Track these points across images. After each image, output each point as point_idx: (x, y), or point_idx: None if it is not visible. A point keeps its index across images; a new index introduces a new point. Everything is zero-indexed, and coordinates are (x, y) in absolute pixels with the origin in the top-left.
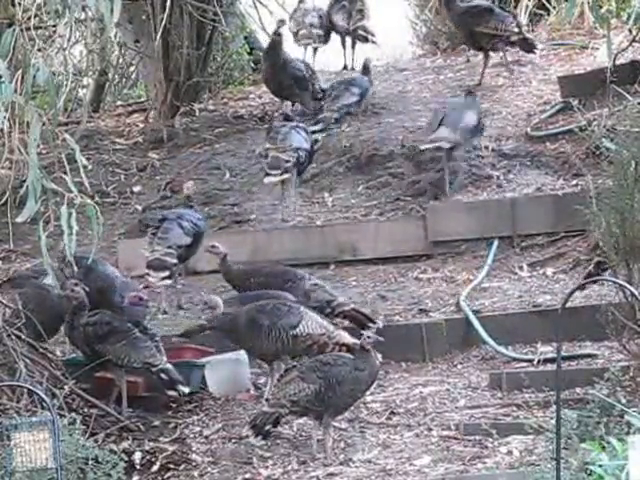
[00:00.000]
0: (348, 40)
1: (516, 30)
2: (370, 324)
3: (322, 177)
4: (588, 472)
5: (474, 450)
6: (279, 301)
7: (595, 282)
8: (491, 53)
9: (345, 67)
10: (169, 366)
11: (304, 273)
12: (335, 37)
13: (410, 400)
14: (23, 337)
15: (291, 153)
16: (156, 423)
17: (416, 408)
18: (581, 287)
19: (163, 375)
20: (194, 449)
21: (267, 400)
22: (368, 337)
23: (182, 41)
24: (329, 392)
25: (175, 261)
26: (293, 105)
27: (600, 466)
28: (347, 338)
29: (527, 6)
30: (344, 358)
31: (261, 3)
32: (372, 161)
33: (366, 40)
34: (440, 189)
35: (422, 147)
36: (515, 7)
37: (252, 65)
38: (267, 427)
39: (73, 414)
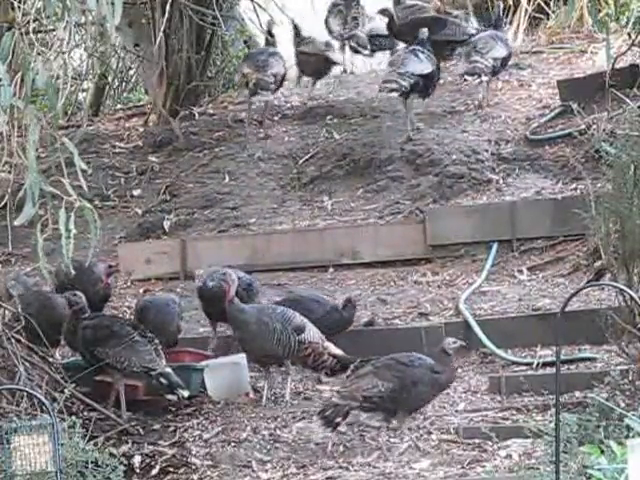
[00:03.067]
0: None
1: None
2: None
3: (321, 181)
4: (587, 476)
5: (473, 454)
6: (283, 307)
7: (595, 286)
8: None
9: (344, 71)
10: (168, 370)
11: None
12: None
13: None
14: (23, 340)
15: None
16: (156, 426)
17: (415, 411)
18: (580, 291)
19: (162, 379)
20: (193, 452)
21: (338, 392)
22: (453, 342)
23: (182, 45)
24: (403, 392)
25: None
26: None
27: (599, 470)
28: (336, 350)
29: (526, 10)
30: (421, 360)
31: (260, 7)
32: (371, 165)
33: (357, 52)
34: None
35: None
36: (514, 11)
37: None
38: (338, 420)
39: (73, 417)
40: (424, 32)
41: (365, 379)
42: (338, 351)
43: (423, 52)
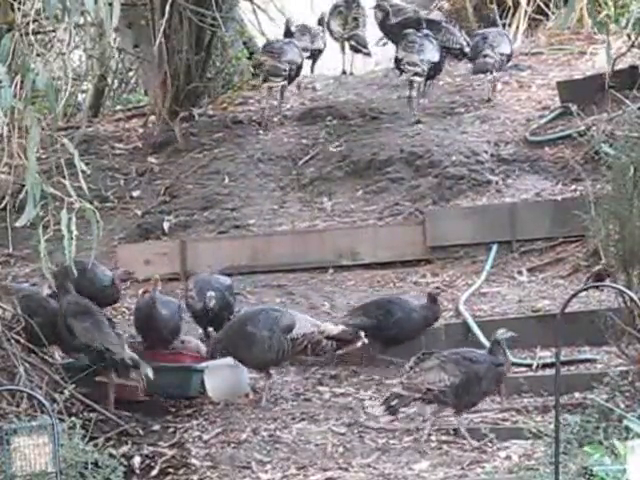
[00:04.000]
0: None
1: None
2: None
3: (321, 182)
4: (587, 477)
5: (473, 455)
6: (269, 308)
7: (594, 287)
8: None
9: (344, 72)
10: (130, 355)
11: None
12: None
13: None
14: (22, 341)
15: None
16: (155, 427)
17: (415, 413)
18: (580, 292)
19: (120, 363)
20: (193, 453)
21: (401, 382)
22: (504, 332)
23: (181, 46)
24: (468, 387)
25: None
26: None
27: (602, 469)
28: (334, 329)
29: (526, 11)
30: (482, 355)
31: (260, 8)
32: (371, 166)
33: (358, 51)
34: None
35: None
36: (514, 13)
37: (251, 70)
38: (401, 409)
39: (73, 418)
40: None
41: (432, 373)
42: (336, 330)
43: (435, 38)
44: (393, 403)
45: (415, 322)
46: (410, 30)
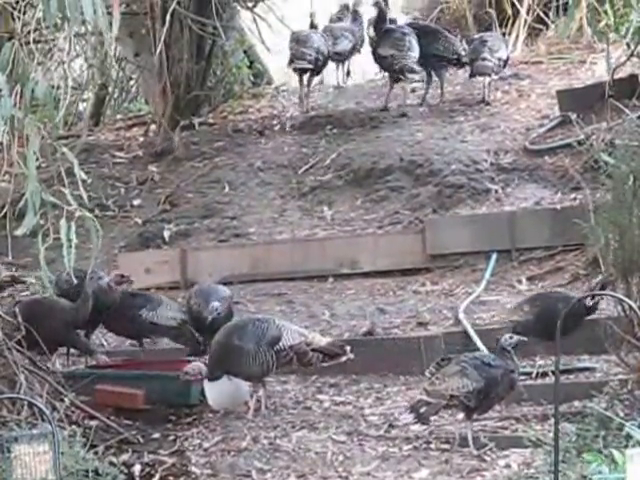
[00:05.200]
0: None
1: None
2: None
3: (321, 191)
4: None
5: (472, 463)
6: (256, 318)
7: (594, 296)
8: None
9: (344, 81)
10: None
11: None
12: None
13: (407, 410)
14: (23, 350)
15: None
16: (156, 435)
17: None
18: (579, 301)
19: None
20: (193, 461)
21: (424, 389)
22: (510, 337)
23: (182, 55)
24: (488, 392)
25: None
26: None
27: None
28: (322, 341)
29: (525, 20)
30: (497, 360)
31: (260, 17)
32: (371, 175)
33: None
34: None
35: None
36: (514, 22)
37: (251, 79)
38: (431, 417)
39: (73, 426)
40: None
41: (454, 379)
42: (324, 342)
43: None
44: (422, 411)
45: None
46: (392, 26)
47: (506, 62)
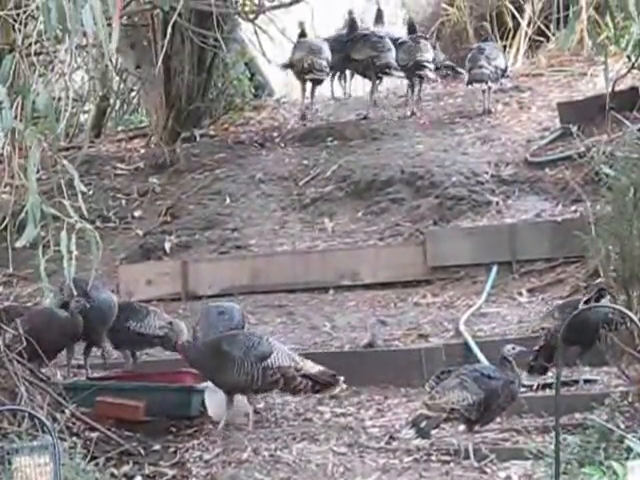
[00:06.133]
0: None
1: None
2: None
3: (322, 202)
4: None
5: (473, 475)
6: (249, 333)
7: (594, 307)
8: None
9: (345, 93)
10: None
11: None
12: None
13: (408, 424)
14: (24, 361)
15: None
16: (156, 447)
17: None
18: (580, 313)
19: None
20: (194, 473)
21: (424, 403)
22: (512, 348)
23: (183, 67)
24: (488, 403)
25: None
26: None
27: None
28: (314, 368)
29: (526, 33)
30: (497, 371)
31: (261, 29)
32: (372, 187)
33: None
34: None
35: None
36: (514, 34)
37: (253, 91)
38: (432, 431)
39: (74, 438)
40: None
41: (454, 392)
42: (316, 369)
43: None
44: (423, 425)
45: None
46: (366, 32)
47: (504, 71)
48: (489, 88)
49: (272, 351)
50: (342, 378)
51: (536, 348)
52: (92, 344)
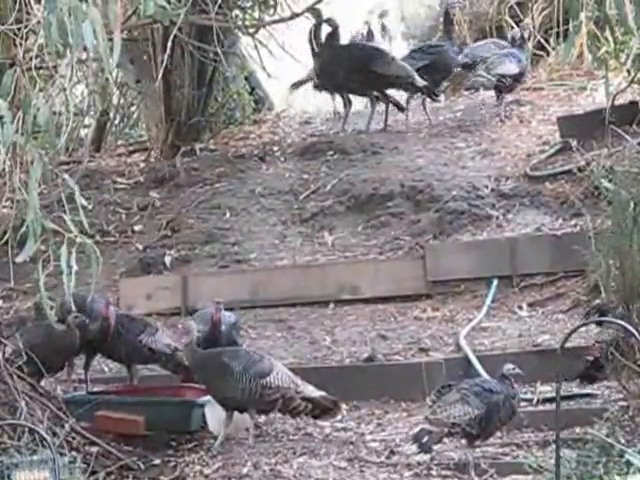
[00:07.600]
0: None
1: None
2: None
3: (322, 216)
4: None
5: None
6: (252, 350)
7: (595, 322)
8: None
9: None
10: None
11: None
12: None
13: (410, 439)
14: (24, 376)
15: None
16: (156, 462)
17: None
18: (580, 327)
19: None
20: None
21: (426, 418)
22: (512, 368)
23: (183, 81)
24: (490, 418)
25: None
26: None
27: None
28: (313, 392)
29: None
30: (498, 386)
31: (262, 44)
32: (372, 200)
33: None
34: None
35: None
36: None
37: (253, 105)
38: (434, 446)
39: (74, 452)
40: None
41: (456, 407)
42: (316, 394)
43: None
44: (424, 440)
45: None
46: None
47: (517, 77)
48: (499, 96)
49: (272, 370)
50: (344, 405)
51: (590, 359)
52: (92, 358)
